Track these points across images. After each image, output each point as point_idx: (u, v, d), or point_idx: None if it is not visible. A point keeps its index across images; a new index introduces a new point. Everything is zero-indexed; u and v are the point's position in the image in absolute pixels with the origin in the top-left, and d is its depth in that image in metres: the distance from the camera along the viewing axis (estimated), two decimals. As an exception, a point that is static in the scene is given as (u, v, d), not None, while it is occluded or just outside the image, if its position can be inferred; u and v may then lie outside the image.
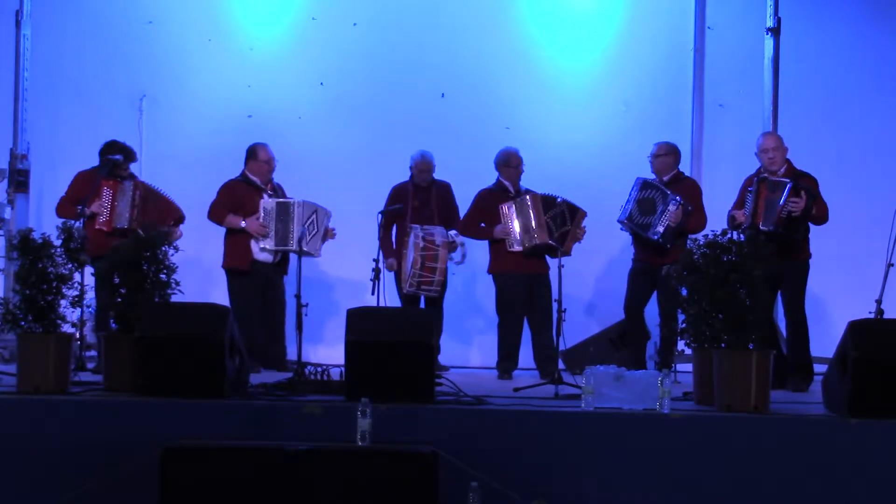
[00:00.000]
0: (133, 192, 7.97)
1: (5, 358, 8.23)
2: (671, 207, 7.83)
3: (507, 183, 8.35)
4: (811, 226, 7.48)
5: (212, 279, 8.55)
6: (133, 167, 8.22)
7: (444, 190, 8.60)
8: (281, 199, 8.24)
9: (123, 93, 9.61)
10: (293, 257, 8.37)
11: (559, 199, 8.13)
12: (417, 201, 8.47)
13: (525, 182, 8.42)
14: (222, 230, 8.35)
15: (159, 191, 8.20)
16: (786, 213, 7.27)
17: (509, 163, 8.35)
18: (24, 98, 9.51)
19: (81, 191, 7.92)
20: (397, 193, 8.54)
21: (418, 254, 8.14)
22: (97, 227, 7.91)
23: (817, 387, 6.63)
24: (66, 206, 7.87)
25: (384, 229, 8.38)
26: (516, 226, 8.16)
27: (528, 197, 8.18)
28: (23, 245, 6.32)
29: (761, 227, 7.21)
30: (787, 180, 7.30)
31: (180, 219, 8.26)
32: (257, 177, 8.33)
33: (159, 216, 7.93)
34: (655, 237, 7.85)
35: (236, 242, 8.26)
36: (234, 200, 8.25)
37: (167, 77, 9.66)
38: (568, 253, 8.07)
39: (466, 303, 9.50)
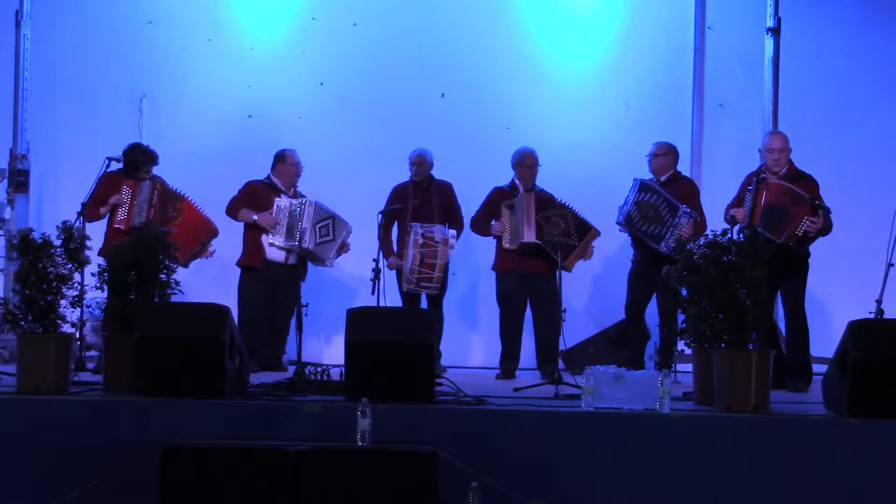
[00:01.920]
0: (151, 192, 8.00)
1: (5, 358, 8.24)
2: (682, 220, 7.74)
3: (519, 182, 8.35)
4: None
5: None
6: (133, 167, 8.21)
7: (445, 189, 8.61)
8: (294, 199, 8.29)
9: (123, 93, 9.60)
10: (312, 265, 8.47)
11: (559, 201, 8.13)
12: (417, 200, 8.49)
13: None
14: (238, 230, 8.38)
15: (194, 203, 8.21)
16: (801, 232, 7.24)
17: (524, 162, 8.35)
18: (24, 98, 9.50)
19: (105, 192, 7.94)
20: (397, 193, 8.56)
21: (418, 250, 8.17)
22: (115, 225, 7.95)
23: (817, 387, 6.63)
24: (93, 209, 7.85)
25: (384, 229, 8.39)
26: (510, 223, 8.18)
27: (522, 194, 8.19)
28: (23, 245, 6.32)
29: (772, 238, 7.14)
30: (808, 196, 7.23)
31: (213, 234, 8.29)
32: (282, 180, 8.43)
33: (193, 230, 8.01)
34: (666, 251, 7.75)
35: (250, 240, 8.36)
36: (253, 198, 8.36)
37: (167, 77, 9.65)
38: (568, 269, 8.08)
39: (467, 303, 9.49)
